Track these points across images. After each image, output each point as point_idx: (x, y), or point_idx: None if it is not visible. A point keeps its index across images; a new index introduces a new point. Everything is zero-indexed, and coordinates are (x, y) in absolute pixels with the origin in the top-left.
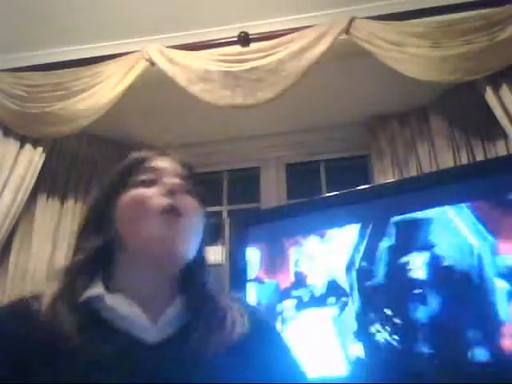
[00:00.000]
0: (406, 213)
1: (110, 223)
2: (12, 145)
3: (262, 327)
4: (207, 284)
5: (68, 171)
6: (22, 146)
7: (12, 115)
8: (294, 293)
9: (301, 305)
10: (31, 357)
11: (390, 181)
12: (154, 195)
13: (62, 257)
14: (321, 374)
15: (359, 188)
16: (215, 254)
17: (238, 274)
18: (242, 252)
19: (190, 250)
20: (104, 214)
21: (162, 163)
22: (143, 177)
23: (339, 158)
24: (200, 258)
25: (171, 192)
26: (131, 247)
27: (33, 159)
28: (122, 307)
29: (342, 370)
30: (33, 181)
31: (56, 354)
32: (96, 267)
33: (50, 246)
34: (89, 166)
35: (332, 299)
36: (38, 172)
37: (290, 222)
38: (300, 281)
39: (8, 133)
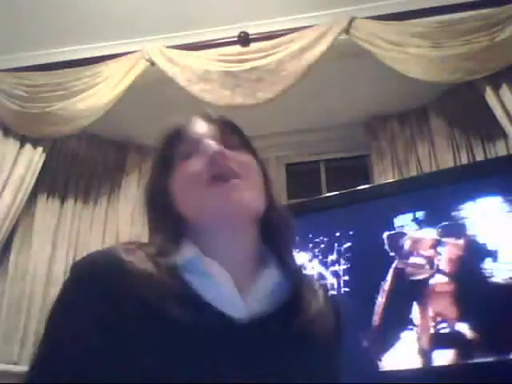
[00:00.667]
0: (406, 213)
1: (170, 203)
2: (12, 145)
3: (340, 317)
4: (291, 244)
5: (68, 171)
6: (22, 146)
7: (12, 115)
8: None
9: None
10: (122, 311)
11: (389, 181)
12: (196, 167)
13: (62, 257)
14: None
15: (359, 188)
16: None
17: None
18: None
19: (256, 203)
20: (162, 195)
21: (200, 129)
22: (184, 150)
23: (339, 158)
24: (272, 211)
25: (214, 158)
26: (196, 222)
27: (33, 159)
28: (215, 274)
29: None
30: (33, 181)
31: (147, 315)
32: (180, 233)
33: (49, 246)
34: (89, 166)
35: None
36: (38, 172)
37: None
38: None
39: (8, 133)
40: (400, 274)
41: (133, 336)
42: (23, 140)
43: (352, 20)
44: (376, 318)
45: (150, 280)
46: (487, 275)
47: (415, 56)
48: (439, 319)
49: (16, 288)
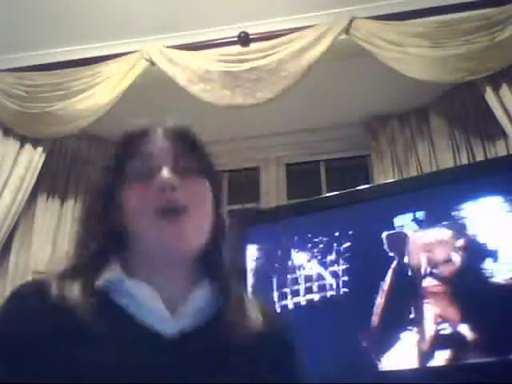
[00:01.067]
0: (406, 213)
1: (116, 214)
2: (12, 145)
3: (279, 335)
4: (226, 267)
5: (68, 171)
6: (22, 146)
7: (12, 115)
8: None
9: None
10: (46, 336)
11: (389, 181)
12: (147, 195)
13: (62, 257)
14: None
15: (359, 188)
16: None
17: (237, 274)
18: (242, 252)
19: (199, 240)
20: (109, 203)
21: (154, 145)
22: (138, 167)
23: (339, 158)
24: (217, 235)
25: (164, 190)
26: (137, 246)
27: (33, 159)
28: (141, 293)
29: None
30: (33, 181)
31: (70, 337)
32: (109, 251)
33: (49, 246)
34: (89, 166)
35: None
36: (38, 172)
37: (289, 221)
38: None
39: (8, 133)
40: (399, 275)
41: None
42: (23, 140)
43: (352, 20)
44: (375, 319)
45: (78, 310)
46: (487, 275)
47: (415, 56)
48: (439, 320)
49: None
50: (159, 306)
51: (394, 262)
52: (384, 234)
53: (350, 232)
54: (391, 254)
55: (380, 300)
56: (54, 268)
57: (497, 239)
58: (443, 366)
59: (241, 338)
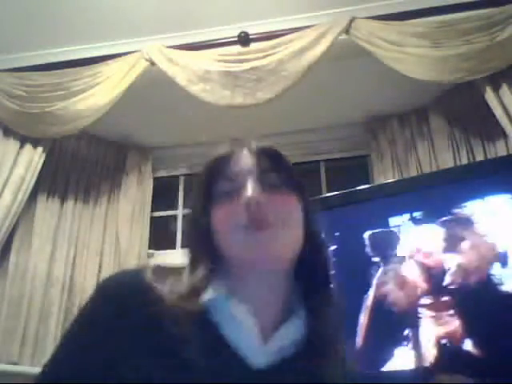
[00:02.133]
0: (405, 213)
1: (209, 236)
2: (12, 145)
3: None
4: (325, 292)
5: (68, 171)
6: (21, 146)
7: (12, 115)
8: None
9: None
10: (137, 345)
11: (390, 181)
12: (234, 212)
13: (62, 257)
14: None
15: (359, 188)
16: None
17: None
18: None
19: (287, 255)
20: (203, 227)
21: (239, 165)
22: (224, 188)
23: (339, 158)
24: (311, 253)
25: (248, 207)
26: (230, 262)
27: (33, 159)
28: (239, 314)
29: None
30: (33, 181)
31: (161, 352)
32: (212, 274)
33: (49, 246)
34: (89, 166)
35: None
36: (38, 172)
37: None
38: None
39: (8, 133)
40: (385, 285)
41: (142, 370)
42: (23, 140)
43: (352, 20)
44: (359, 340)
45: (174, 318)
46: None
47: (415, 56)
48: (439, 338)
49: (16, 288)
50: (254, 331)
51: (380, 271)
52: (366, 234)
53: (337, 234)
54: (375, 260)
55: (363, 319)
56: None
57: (504, 241)
58: None
59: (326, 376)
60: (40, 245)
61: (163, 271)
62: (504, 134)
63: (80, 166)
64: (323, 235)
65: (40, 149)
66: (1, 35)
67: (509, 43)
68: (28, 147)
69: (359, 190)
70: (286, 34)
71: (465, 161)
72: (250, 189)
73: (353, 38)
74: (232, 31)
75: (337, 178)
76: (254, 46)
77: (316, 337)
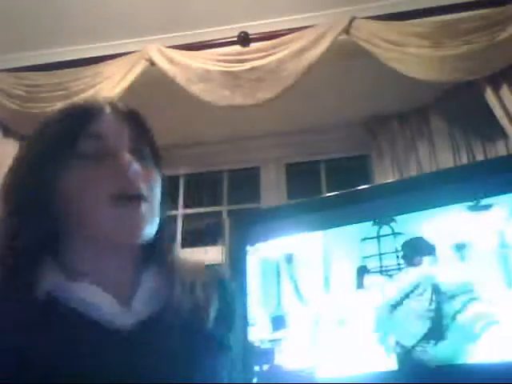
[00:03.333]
0: (405, 213)
1: (53, 202)
2: (12, 145)
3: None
4: (171, 255)
5: None
6: None
7: (12, 115)
8: None
9: None
10: None
11: (389, 181)
12: (101, 177)
13: None
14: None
15: (359, 188)
16: (215, 254)
17: (237, 274)
18: (242, 252)
19: (151, 229)
20: (43, 188)
21: (108, 124)
22: (87, 148)
23: (339, 157)
24: (161, 227)
25: (126, 173)
26: (82, 234)
27: None
28: (87, 295)
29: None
30: None
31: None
32: (44, 246)
33: None
34: None
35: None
36: None
37: (290, 221)
38: None
39: (8, 133)
40: None
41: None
42: (23, 140)
43: (352, 20)
44: None
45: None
46: None
47: (415, 56)
48: None
49: None
50: (107, 301)
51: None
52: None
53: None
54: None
55: None
56: None
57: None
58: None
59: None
60: None
61: None
62: (504, 134)
63: None
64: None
65: None
66: (1, 35)
67: (509, 43)
68: None
69: (359, 189)
70: (286, 34)
71: (465, 161)
72: (125, 155)
73: (353, 38)
74: (232, 31)
75: (337, 177)
76: (254, 46)
77: (168, 294)
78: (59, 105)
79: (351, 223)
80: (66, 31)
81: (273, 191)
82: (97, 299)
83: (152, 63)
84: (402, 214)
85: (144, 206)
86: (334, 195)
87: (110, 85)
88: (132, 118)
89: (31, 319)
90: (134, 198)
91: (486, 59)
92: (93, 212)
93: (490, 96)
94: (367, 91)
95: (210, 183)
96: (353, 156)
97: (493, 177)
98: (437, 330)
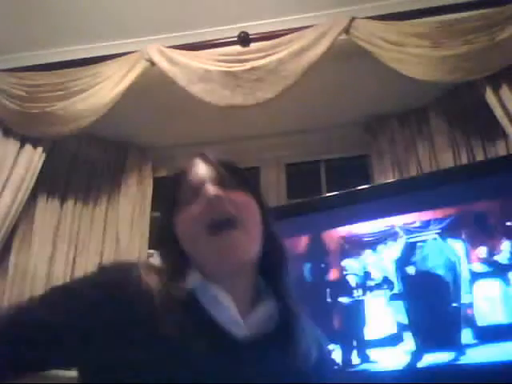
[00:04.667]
0: (405, 213)
1: (176, 241)
2: (12, 145)
3: (322, 362)
4: (287, 277)
5: (68, 171)
6: (22, 146)
7: (12, 115)
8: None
9: None
10: (129, 327)
11: (389, 181)
12: (197, 213)
13: (62, 257)
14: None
15: (359, 188)
16: None
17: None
18: None
19: (249, 255)
20: (168, 233)
21: (198, 173)
22: (186, 197)
23: (339, 157)
24: (273, 245)
25: (211, 201)
26: (198, 265)
27: (33, 159)
28: (220, 296)
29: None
30: (33, 181)
31: (152, 336)
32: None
33: (49, 246)
34: (89, 166)
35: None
36: (37, 172)
37: (290, 221)
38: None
39: (8, 133)
40: None
41: (136, 344)
42: (23, 140)
43: (352, 20)
44: None
45: (165, 307)
46: None
47: (415, 56)
48: None
49: (16, 288)
50: (234, 309)
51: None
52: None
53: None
54: None
55: None
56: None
57: None
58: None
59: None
60: (40, 245)
61: (153, 268)
62: (504, 134)
63: (80, 166)
64: (280, 237)
65: (40, 149)
66: (1, 35)
67: (509, 43)
68: (28, 147)
69: (359, 189)
70: (286, 34)
71: (465, 161)
72: (208, 188)
73: (353, 38)
74: (232, 31)
75: (337, 177)
76: (254, 45)
77: (287, 314)
78: (59, 105)
79: (351, 223)
80: (66, 31)
81: (273, 191)
82: (225, 302)
83: (152, 63)
84: (402, 213)
85: (237, 232)
86: (333, 195)
87: (109, 85)
88: (220, 163)
89: (175, 304)
90: (224, 225)
91: (486, 59)
92: (195, 245)
93: (489, 96)
94: (367, 91)
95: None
96: (353, 156)
97: (493, 177)
98: None
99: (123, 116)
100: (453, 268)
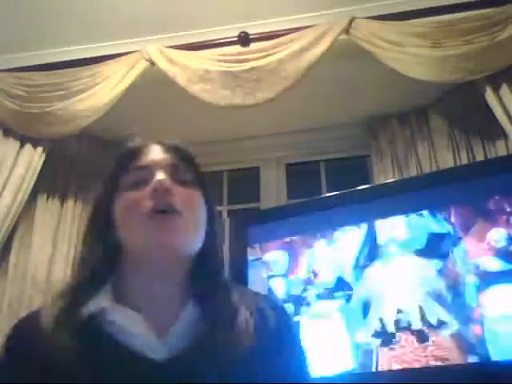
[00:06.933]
0: (405, 213)
1: (109, 228)
2: (12, 145)
3: (282, 328)
4: (219, 280)
5: (68, 171)
6: (22, 146)
7: (12, 115)
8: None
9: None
10: (36, 373)
11: (389, 181)
12: (141, 198)
13: (62, 257)
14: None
15: (359, 188)
16: None
17: (237, 274)
18: (242, 252)
19: (190, 245)
20: (103, 218)
21: (150, 157)
22: (132, 178)
23: (339, 157)
24: (209, 249)
25: (158, 191)
26: (131, 252)
27: (33, 159)
28: (125, 322)
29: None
30: (33, 181)
31: (58, 373)
32: (102, 278)
33: (49, 246)
34: (89, 166)
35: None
36: (38, 172)
37: (289, 221)
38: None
39: (8, 133)
40: None
41: None
42: (23, 140)
43: (352, 20)
44: None
45: (62, 344)
46: None
47: (415, 56)
48: None
49: (16, 288)
50: (144, 331)
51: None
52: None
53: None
54: None
55: None
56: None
57: None
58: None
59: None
60: (40, 245)
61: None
62: (504, 134)
63: (80, 166)
64: (220, 238)
65: (40, 149)
66: (1, 35)
67: (509, 43)
68: (28, 147)
69: (359, 189)
70: (286, 33)
71: (465, 161)
72: (158, 176)
73: (353, 38)
74: (232, 31)
75: (337, 178)
76: (254, 45)
77: (210, 325)
78: (59, 105)
79: (351, 223)
80: (66, 31)
81: (273, 191)
82: (134, 328)
83: (152, 63)
84: (402, 214)
85: (178, 219)
86: (333, 195)
87: (109, 85)
88: (175, 149)
89: (70, 337)
90: (168, 212)
91: (486, 59)
92: (133, 228)
93: (489, 96)
94: (367, 91)
95: (210, 183)
96: (353, 156)
97: (493, 177)
98: None
99: (123, 116)
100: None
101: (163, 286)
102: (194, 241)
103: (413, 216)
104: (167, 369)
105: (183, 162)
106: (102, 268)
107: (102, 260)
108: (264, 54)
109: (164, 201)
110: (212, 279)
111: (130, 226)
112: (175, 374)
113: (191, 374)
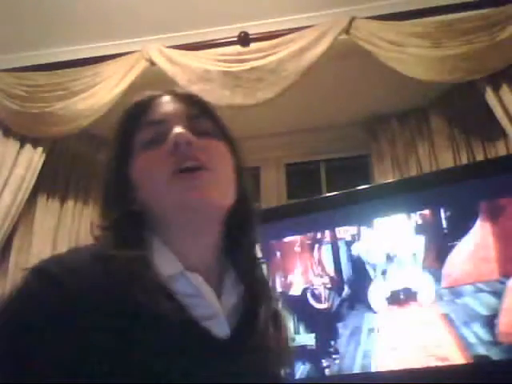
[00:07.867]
0: (405, 213)
1: (129, 192)
2: (12, 145)
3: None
4: (254, 244)
5: (68, 171)
6: (22, 146)
7: (12, 115)
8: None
9: None
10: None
11: (389, 181)
12: (161, 157)
13: None
14: None
15: (359, 188)
16: None
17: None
18: None
19: (224, 201)
20: (121, 182)
21: (163, 109)
22: (147, 135)
23: (339, 157)
24: (242, 204)
25: (180, 147)
26: (162, 216)
27: (33, 159)
28: (203, 289)
29: None
30: (33, 181)
31: (131, 327)
32: (139, 245)
33: (49, 246)
34: (89, 166)
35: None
36: (37, 172)
37: (289, 221)
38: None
39: (8, 133)
40: None
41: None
42: (23, 140)
43: (352, 20)
44: None
45: (142, 290)
46: None
47: (415, 56)
48: None
49: None
50: (218, 307)
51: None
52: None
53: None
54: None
55: None
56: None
57: None
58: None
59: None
60: (40, 245)
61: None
62: (504, 134)
63: (80, 166)
64: (251, 192)
65: (40, 149)
66: (1, 35)
67: (509, 43)
68: (28, 147)
69: (359, 189)
70: (286, 34)
71: (465, 161)
72: (176, 129)
73: (353, 38)
74: (232, 31)
75: (337, 177)
76: (254, 45)
77: (251, 300)
78: (59, 105)
79: (351, 223)
80: (66, 31)
81: (273, 191)
82: (208, 295)
83: (152, 63)
84: (401, 213)
85: (206, 174)
86: (333, 195)
87: (109, 85)
88: (189, 98)
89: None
90: (195, 169)
91: (486, 59)
92: (158, 191)
93: (489, 96)
94: (367, 91)
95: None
96: (353, 156)
97: (493, 177)
98: None
99: None
100: None
101: (201, 248)
102: (228, 196)
103: (413, 216)
104: (230, 347)
105: (200, 112)
106: (137, 236)
107: (132, 227)
108: (264, 53)
109: (187, 157)
110: (248, 247)
111: (154, 191)
112: (236, 352)
113: (252, 359)
